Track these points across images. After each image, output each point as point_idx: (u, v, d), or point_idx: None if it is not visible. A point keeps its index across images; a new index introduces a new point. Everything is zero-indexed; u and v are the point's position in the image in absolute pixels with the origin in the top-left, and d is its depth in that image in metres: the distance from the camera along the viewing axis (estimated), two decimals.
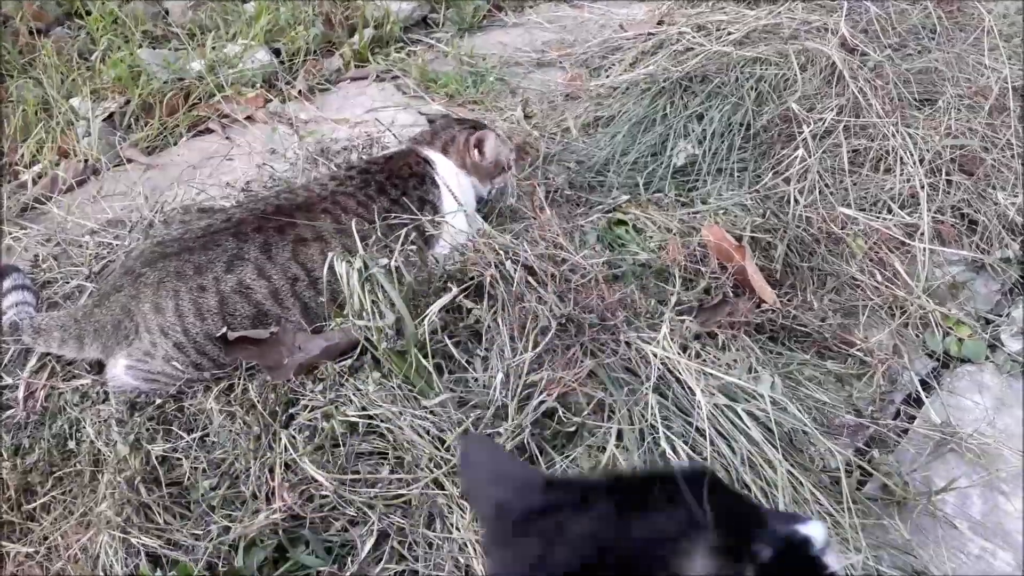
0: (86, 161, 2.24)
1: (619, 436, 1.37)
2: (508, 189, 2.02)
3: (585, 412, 1.39)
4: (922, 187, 1.99)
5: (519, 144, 2.24)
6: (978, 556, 1.37)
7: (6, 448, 1.45)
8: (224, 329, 1.47)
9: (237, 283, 1.51)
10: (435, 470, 1.31)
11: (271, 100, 2.55)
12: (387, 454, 1.37)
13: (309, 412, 1.42)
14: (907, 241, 1.93)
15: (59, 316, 1.58)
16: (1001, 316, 1.84)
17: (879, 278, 1.86)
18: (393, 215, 1.67)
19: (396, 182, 1.76)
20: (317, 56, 2.80)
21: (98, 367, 1.58)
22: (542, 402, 1.37)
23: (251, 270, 1.52)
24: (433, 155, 1.90)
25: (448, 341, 1.48)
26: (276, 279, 1.53)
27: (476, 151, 1.91)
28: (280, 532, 1.27)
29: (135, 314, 1.49)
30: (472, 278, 1.54)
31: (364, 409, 1.40)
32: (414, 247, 1.58)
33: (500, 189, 2.01)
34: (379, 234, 1.56)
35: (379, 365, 1.48)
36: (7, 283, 1.68)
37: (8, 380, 1.58)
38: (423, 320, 1.45)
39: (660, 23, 2.76)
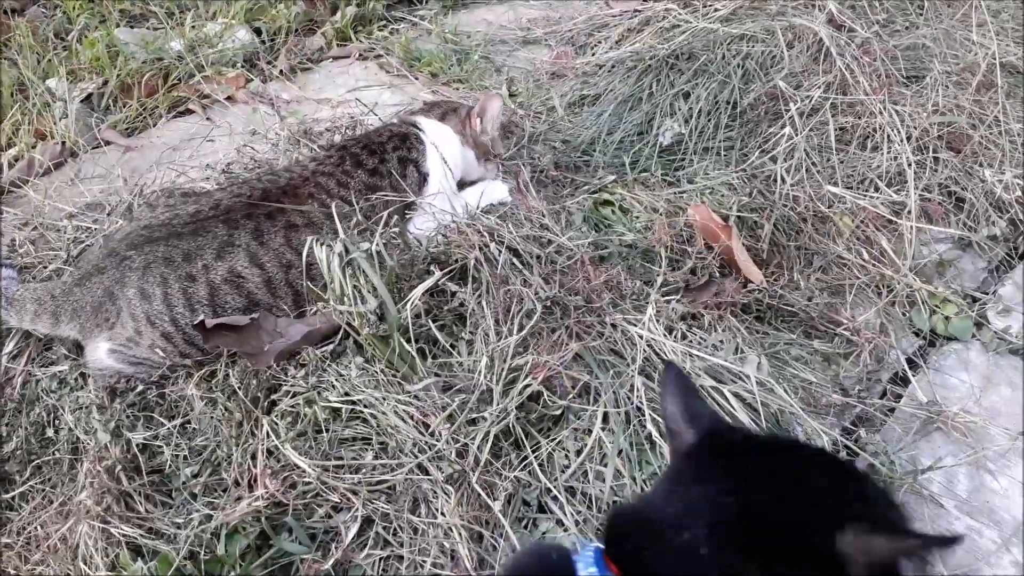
0: (63, 143, 2.20)
1: (605, 419, 1.36)
2: (491, 175, 1.99)
3: (571, 395, 1.38)
4: (909, 165, 1.97)
5: (504, 123, 2.22)
6: (964, 534, 1.37)
7: None
8: (201, 316, 1.44)
9: (228, 271, 1.48)
10: (419, 455, 1.30)
11: (252, 80, 2.51)
12: (371, 439, 1.35)
13: (291, 398, 1.40)
14: (894, 219, 1.92)
15: (35, 288, 1.55)
16: (988, 294, 1.83)
17: (866, 256, 1.85)
18: (376, 194, 1.65)
19: (374, 148, 1.73)
20: (299, 35, 2.76)
21: (75, 348, 1.55)
22: (527, 386, 1.36)
23: (243, 257, 1.49)
24: (424, 120, 1.88)
25: (432, 325, 1.46)
26: (270, 267, 1.51)
27: (479, 119, 1.89)
28: (263, 519, 1.25)
29: (118, 298, 1.46)
30: (456, 261, 1.53)
31: (347, 395, 1.38)
32: (396, 230, 1.55)
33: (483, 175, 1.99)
34: (360, 216, 1.54)
35: (362, 350, 1.46)
36: None
37: None
38: (406, 304, 1.44)
39: (646, 0, 2.74)
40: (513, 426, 1.34)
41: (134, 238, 1.51)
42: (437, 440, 1.31)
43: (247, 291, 1.49)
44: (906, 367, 1.65)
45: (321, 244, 1.43)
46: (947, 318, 1.75)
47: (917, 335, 1.75)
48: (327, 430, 1.36)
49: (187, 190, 1.89)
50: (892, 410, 1.58)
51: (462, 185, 1.93)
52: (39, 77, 2.36)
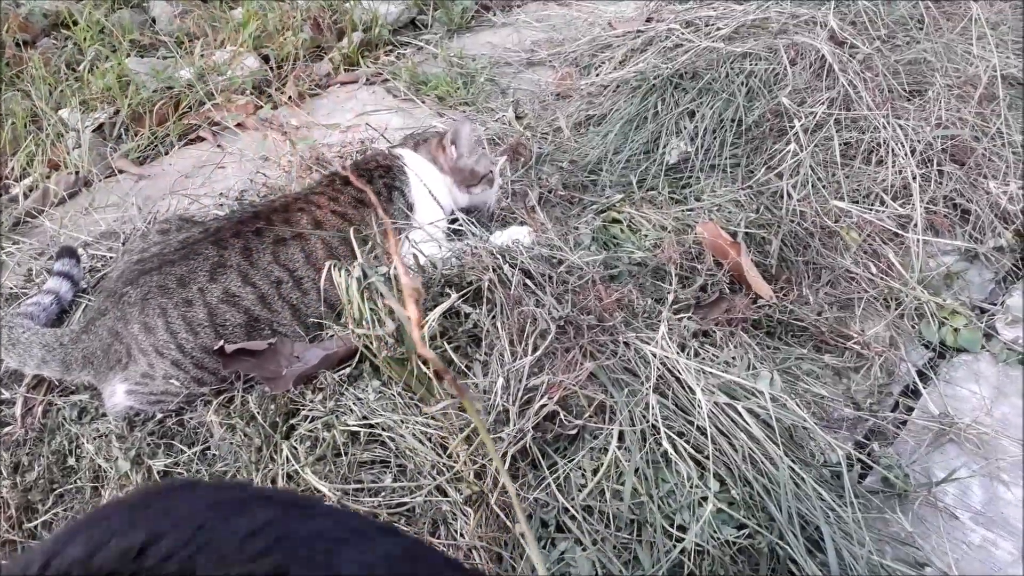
0: (77, 173, 2.23)
1: (621, 437, 1.37)
2: (491, 202, 1.98)
3: (586, 414, 1.39)
4: (914, 178, 1.99)
5: (512, 145, 2.24)
6: (979, 546, 1.38)
7: (5, 466, 1.44)
8: (221, 342, 1.46)
9: (223, 292, 1.49)
10: (438, 477, 1.31)
11: (261, 107, 2.54)
12: (389, 462, 1.37)
13: (310, 422, 1.42)
14: (900, 232, 1.94)
15: (43, 333, 1.54)
16: (996, 305, 1.85)
17: (873, 270, 1.87)
18: (364, 208, 1.69)
19: (361, 172, 1.79)
20: (306, 61, 2.80)
21: (90, 387, 1.57)
22: (543, 406, 1.37)
23: (235, 277, 1.51)
24: (402, 150, 1.92)
25: (447, 347, 1.48)
26: (261, 284, 1.52)
27: (452, 146, 1.90)
28: None
29: (124, 336, 1.46)
30: (470, 283, 1.54)
31: (365, 418, 1.40)
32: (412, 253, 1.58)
33: (482, 201, 1.97)
34: (378, 239, 1.56)
35: (378, 373, 1.48)
36: (58, 265, 1.73)
37: (6, 395, 1.57)
38: (422, 327, 1.45)
39: (649, 20, 2.77)
40: (530, 446, 1.35)
41: (128, 273, 1.52)
42: (455, 462, 1.32)
43: (244, 308, 1.51)
44: (917, 380, 1.67)
45: (339, 269, 1.45)
46: (956, 330, 1.76)
47: (927, 347, 1.76)
48: (346, 454, 1.37)
49: (186, 216, 1.90)
50: (904, 423, 1.59)
51: (476, 215, 1.95)
52: (52, 108, 2.40)
